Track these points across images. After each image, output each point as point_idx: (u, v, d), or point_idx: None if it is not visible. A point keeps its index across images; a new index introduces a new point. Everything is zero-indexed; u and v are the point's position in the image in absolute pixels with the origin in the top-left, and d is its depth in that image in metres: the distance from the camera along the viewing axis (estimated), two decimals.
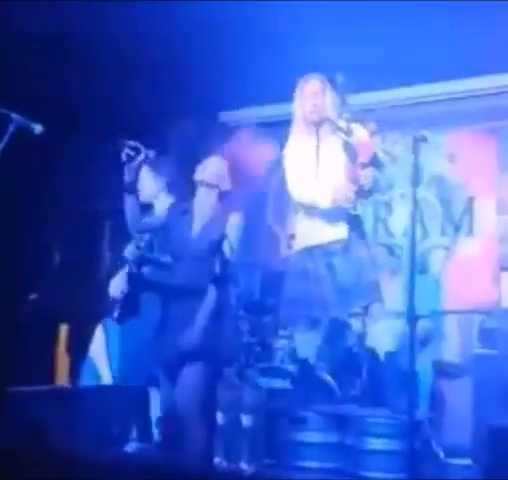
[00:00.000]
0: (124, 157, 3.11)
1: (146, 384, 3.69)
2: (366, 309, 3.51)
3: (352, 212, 3.41)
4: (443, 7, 4.11)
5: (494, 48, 4.43)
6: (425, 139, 3.08)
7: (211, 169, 3.29)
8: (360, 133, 3.43)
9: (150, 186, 3.72)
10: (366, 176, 3.38)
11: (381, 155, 3.60)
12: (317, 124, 3.49)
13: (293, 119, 3.58)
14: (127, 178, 3.15)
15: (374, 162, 3.44)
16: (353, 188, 3.35)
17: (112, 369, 3.82)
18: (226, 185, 3.28)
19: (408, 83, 5.11)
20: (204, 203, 3.29)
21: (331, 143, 3.47)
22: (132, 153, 3.11)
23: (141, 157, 3.13)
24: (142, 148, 3.13)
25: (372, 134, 3.43)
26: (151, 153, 3.16)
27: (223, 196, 3.29)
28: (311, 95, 3.48)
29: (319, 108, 3.46)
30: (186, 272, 3.18)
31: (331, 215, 3.42)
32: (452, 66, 4.71)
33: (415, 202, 3.10)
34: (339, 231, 3.43)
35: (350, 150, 3.38)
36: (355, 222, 3.48)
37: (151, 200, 3.71)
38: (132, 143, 3.11)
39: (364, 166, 3.39)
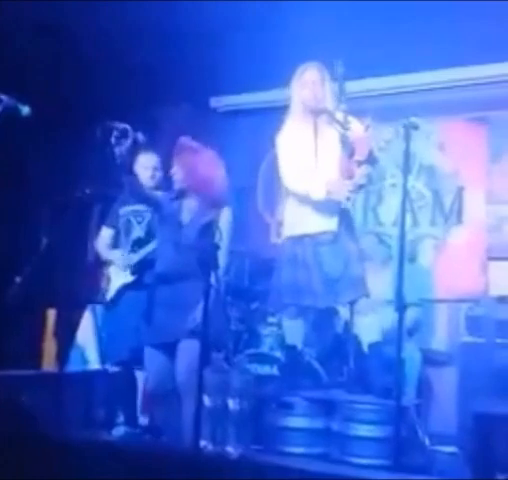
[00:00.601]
0: (113, 140, 3.09)
1: (132, 367, 3.69)
2: (353, 304, 3.51)
3: (344, 205, 3.41)
4: None
5: (485, 38, 4.43)
6: (416, 127, 3.07)
7: (176, 177, 3.30)
8: (356, 128, 3.40)
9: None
10: (362, 174, 3.37)
11: (375, 151, 3.58)
12: (314, 113, 3.45)
13: (290, 106, 3.53)
14: (119, 160, 3.13)
15: (370, 159, 3.42)
16: (347, 183, 3.34)
17: (99, 354, 3.81)
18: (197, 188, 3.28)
19: (399, 72, 5.10)
20: (190, 196, 3.31)
21: (328, 135, 3.44)
22: (121, 136, 3.09)
23: (130, 140, 3.10)
24: (130, 130, 3.10)
25: (367, 128, 3.40)
26: (140, 135, 3.14)
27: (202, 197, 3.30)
28: (310, 83, 3.43)
29: (317, 97, 3.42)
30: (177, 258, 3.18)
31: (322, 206, 3.41)
32: (443, 55, 4.70)
33: (405, 190, 3.10)
34: (329, 223, 3.43)
35: (347, 145, 3.35)
36: (345, 215, 3.48)
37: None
38: (121, 125, 3.09)
39: (360, 163, 3.37)
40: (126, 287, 3.76)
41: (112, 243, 3.95)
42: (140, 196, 3.44)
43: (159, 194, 3.46)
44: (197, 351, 2.77)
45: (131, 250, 3.82)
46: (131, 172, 3.28)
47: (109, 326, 3.87)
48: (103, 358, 3.88)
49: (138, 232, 3.85)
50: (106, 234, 3.96)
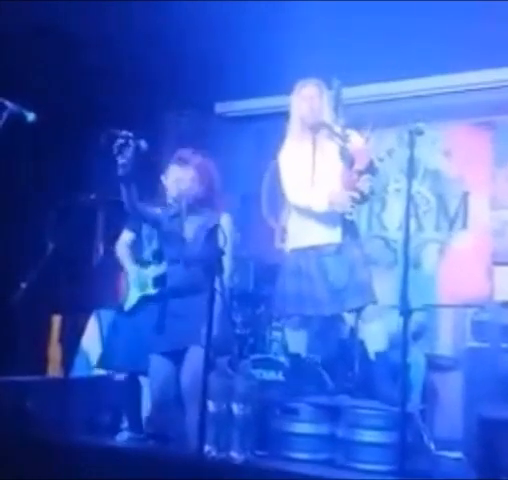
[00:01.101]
0: (115, 149, 3.09)
1: (137, 374, 3.69)
2: (359, 311, 3.51)
3: (348, 217, 3.42)
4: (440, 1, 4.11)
5: (490, 42, 4.43)
6: (421, 132, 3.06)
7: (180, 184, 3.30)
8: (355, 140, 3.43)
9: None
10: (363, 184, 3.37)
11: (376, 161, 3.59)
12: (313, 128, 3.48)
13: (289, 123, 3.56)
14: (121, 169, 3.13)
15: (370, 169, 3.43)
16: (350, 194, 3.35)
17: (104, 359, 3.81)
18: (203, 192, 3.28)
19: (403, 77, 5.11)
20: (192, 208, 3.34)
21: (327, 148, 3.46)
22: (123, 143, 3.09)
23: (132, 148, 3.10)
24: (132, 139, 3.11)
25: (367, 140, 3.42)
26: (143, 143, 3.14)
27: (207, 201, 3.30)
28: (308, 98, 3.48)
29: (316, 112, 3.46)
30: (184, 273, 3.22)
31: (325, 218, 3.42)
32: (447, 60, 4.70)
33: (410, 195, 3.10)
34: (332, 235, 3.44)
35: (346, 156, 3.37)
36: (349, 227, 3.48)
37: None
38: (123, 133, 3.09)
39: (360, 173, 3.38)
40: (146, 299, 3.71)
41: (132, 248, 3.86)
42: (136, 211, 3.39)
43: (158, 211, 3.44)
44: (193, 365, 2.79)
45: (153, 262, 3.75)
46: (132, 181, 3.25)
47: (123, 334, 3.84)
48: (111, 365, 3.86)
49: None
50: (126, 237, 3.87)
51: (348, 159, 3.37)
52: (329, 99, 3.44)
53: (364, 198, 3.41)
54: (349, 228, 3.47)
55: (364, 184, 3.37)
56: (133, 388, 3.76)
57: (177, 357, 3.15)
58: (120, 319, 3.79)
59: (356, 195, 3.34)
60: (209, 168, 3.40)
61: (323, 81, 3.50)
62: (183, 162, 3.35)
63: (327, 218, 3.41)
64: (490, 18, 4.24)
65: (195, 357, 3.02)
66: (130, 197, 3.22)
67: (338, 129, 3.39)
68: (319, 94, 3.48)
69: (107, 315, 4.30)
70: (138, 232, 3.85)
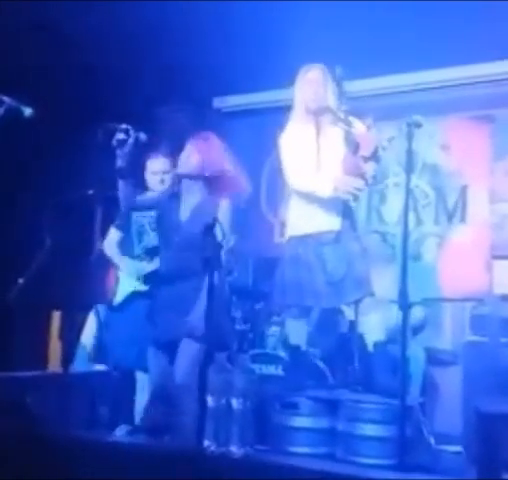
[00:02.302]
0: (115, 142, 3.09)
1: (137, 368, 3.69)
2: (357, 303, 3.51)
3: (351, 203, 3.41)
4: None
5: (488, 36, 4.42)
6: (419, 125, 3.06)
7: (189, 160, 3.27)
8: (358, 126, 3.42)
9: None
10: (369, 170, 3.36)
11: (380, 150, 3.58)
12: (317, 113, 3.48)
13: (293, 107, 3.56)
14: (119, 162, 3.13)
15: (375, 156, 3.42)
16: (355, 180, 3.34)
17: (104, 355, 3.82)
18: (209, 171, 3.25)
19: (401, 71, 5.10)
20: (191, 190, 3.28)
21: (331, 133, 3.46)
22: (123, 136, 3.09)
23: (131, 140, 3.10)
24: (132, 131, 3.10)
25: (369, 128, 3.41)
26: (142, 135, 3.14)
27: (209, 182, 3.26)
28: (312, 83, 3.48)
29: (320, 96, 3.45)
30: (177, 257, 3.18)
31: (326, 205, 3.41)
32: (445, 54, 4.70)
33: (408, 188, 3.09)
34: (332, 222, 3.43)
35: (351, 141, 3.36)
36: (348, 214, 3.48)
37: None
38: (122, 126, 3.09)
39: (366, 160, 3.37)
40: (136, 295, 3.72)
41: (121, 246, 3.87)
42: (132, 203, 3.37)
43: (154, 194, 3.43)
44: (197, 352, 2.77)
45: (145, 258, 3.76)
46: (132, 174, 3.25)
47: (114, 330, 3.84)
48: (106, 360, 3.86)
49: (153, 240, 3.75)
50: (115, 236, 3.87)
51: (353, 144, 3.36)
52: (333, 85, 3.43)
53: (367, 184, 3.40)
54: (348, 215, 3.47)
55: (369, 171, 3.36)
56: (125, 383, 3.76)
57: (172, 349, 3.13)
58: (110, 314, 3.80)
59: (361, 182, 3.33)
60: (211, 148, 3.35)
61: (328, 70, 3.49)
62: (197, 142, 3.30)
63: (328, 204, 3.40)
64: (488, 12, 4.24)
65: (188, 350, 3.01)
66: (127, 189, 3.20)
67: (342, 115, 3.38)
68: (323, 79, 3.47)
69: (106, 311, 4.29)
70: (127, 230, 3.84)
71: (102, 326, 3.90)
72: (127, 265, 3.79)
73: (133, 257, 3.80)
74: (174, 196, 3.30)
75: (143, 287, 3.70)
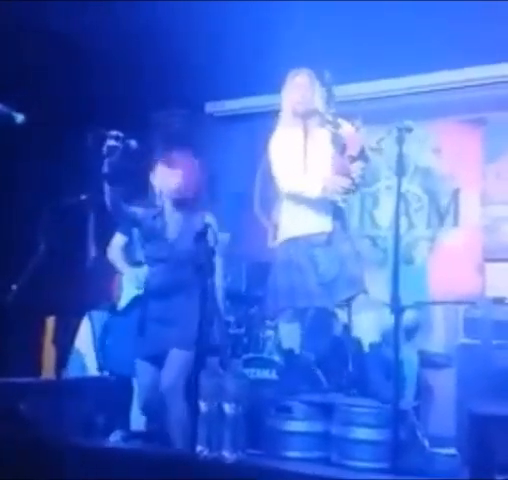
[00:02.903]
0: (105, 148, 3.07)
1: (132, 374, 3.69)
2: (349, 302, 3.52)
3: (340, 204, 3.43)
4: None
5: (479, 40, 4.44)
6: (410, 129, 3.08)
7: (167, 181, 3.29)
8: (347, 127, 3.45)
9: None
10: (355, 170, 3.39)
11: (367, 150, 3.61)
12: (304, 116, 3.51)
13: (281, 112, 3.59)
14: (107, 168, 3.11)
15: (362, 156, 3.45)
16: (342, 180, 3.36)
17: (98, 360, 3.82)
18: (186, 193, 3.28)
19: (392, 75, 5.12)
20: (175, 204, 3.32)
21: (319, 135, 3.49)
22: (113, 143, 3.08)
23: (122, 147, 3.09)
24: (122, 137, 3.09)
25: (357, 130, 3.44)
26: (132, 142, 3.13)
27: (193, 201, 3.29)
28: (299, 87, 3.52)
29: (307, 99, 3.49)
30: (166, 270, 3.20)
31: (317, 206, 3.44)
32: (436, 58, 4.71)
33: (399, 192, 3.11)
34: (323, 224, 3.45)
35: (338, 142, 3.39)
36: (339, 215, 3.50)
37: None
38: (113, 133, 3.07)
39: (353, 159, 3.40)
40: (138, 300, 3.67)
41: (126, 250, 3.86)
42: (118, 211, 3.36)
43: (139, 211, 3.41)
44: (185, 360, 2.78)
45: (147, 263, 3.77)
46: (120, 181, 3.23)
47: (116, 335, 3.83)
48: (105, 365, 3.85)
49: None
50: (119, 240, 3.85)
51: (340, 145, 3.39)
52: (320, 89, 3.47)
53: (356, 185, 3.43)
54: (339, 216, 3.49)
55: (356, 170, 3.39)
56: (127, 388, 3.76)
57: (160, 361, 3.14)
58: (113, 320, 3.79)
59: (348, 181, 3.36)
60: (196, 169, 3.38)
61: (316, 75, 3.52)
62: (171, 162, 3.34)
63: (318, 205, 3.43)
64: (479, 16, 4.26)
65: (176, 360, 3.03)
66: (113, 196, 3.20)
67: (329, 117, 3.41)
68: (310, 82, 3.52)
69: (99, 316, 4.29)
70: (130, 235, 3.83)
71: (102, 332, 3.89)
72: (131, 271, 3.78)
73: (135, 263, 3.80)
74: (159, 215, 3.33)
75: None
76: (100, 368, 3.88)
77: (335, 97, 3.37)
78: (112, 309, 3.84)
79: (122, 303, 3.78)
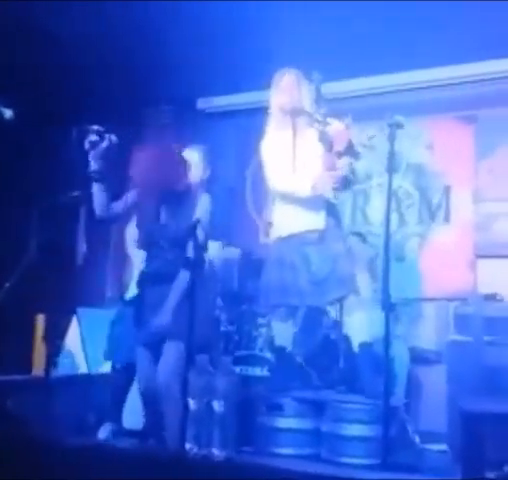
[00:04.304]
0: (87, 144, 3.03)
1: (122, 370, 3.68)
2: (341, 301, 3.52)
3: (331, 201, 3.43)
4: None
5: (471, 37, 4.44)
6: (401, 125, 3.08)
7: (147, 175, 3.24)
8: (335, 125, 3.44)
9: None
10: (343, 165, 3.39)
11: (358, 147, 3.60)
12: (293, 115, 3.50)
13: (270, 112, 3.59)
14: (93, 165, 3.08)
15: (349, 151, 3.45)
16: (332, 176, 3.36)
17: (87, 357, 3.80)
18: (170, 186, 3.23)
19: (384, 72, 5.12)
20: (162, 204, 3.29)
21: (307, 134, 3.48)
22: (95, 138, 3.04)
23: (105, 143, 3.05)
24: (105, 133, 3.06)
25: (347, 127, 3.44)
26: (114, 137, 3.08)
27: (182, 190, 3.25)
28: (287, 87, 3.52)
29: (295, 99, 3.49)
30: (159, 256, 3.18)
31: (309, 204, 3.43)
32: (428, 54, 4.72)
33: (391, 188, 3.10)
34: (315, 221, 3.45)
35: (325, 139, 3.39)
36: (332, 212, 3.50)
37: None
38: (94, 128, 3.04)
39: (340, 155, 3.40)
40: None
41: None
42: (106, 211, 3.30)
43: (129, 200, 3.35)
44: (180, 353, 2.76)
45: None
46: (107, 178, 3.19)
47: (125, 324, 3.80)
48: (112, 355, 3.82)
49: None
50: (133, 232, 3.78)
51: (327, 142, 3.39)
52: (308, 89, 3.47)
53: (346, 181, 3.42)
54: (332, 214, 3.50)
55: (344, 166, 3.39)
56: (118, 385, 3.75)
57: (156, 349, 3.12)
58: (121, 309, 3.78)
59: (338, 177, 3.35)
60: (183, 157, 3.33)
61: (303, 74, 3.52)
62: (156, 154, 3.27)
63: (310, 203, 3.43)
64: (471, 13, 4.26)
65: (172, 351, 3.00)
66: (101, 194, 3.15)
67: (319, 117, 3.41)
68: (297, 83, 3.51)
69: (87, 314, 4.28)
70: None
71: (113, 322, 3.87)
72: (138, 260, 3.77)
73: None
74: (150, 203, 3.28)
75: None
76: (106, 358, 3.85)
77: (324, 96, 3.36)
78: (121, 298, 3.83)
79: (131, 293, 3.76)
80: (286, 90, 3.51)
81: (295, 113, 3.49)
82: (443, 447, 3.46)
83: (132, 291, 3.72)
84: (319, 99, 3.37)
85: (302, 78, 3.51)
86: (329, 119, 3.39)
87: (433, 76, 5.09)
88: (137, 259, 3.78)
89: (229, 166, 5.54)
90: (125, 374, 3.69)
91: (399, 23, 4.41)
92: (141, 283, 3.28)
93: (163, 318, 3.02)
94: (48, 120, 4.77)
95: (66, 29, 4.53)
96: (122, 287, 3.93)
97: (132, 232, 3.87)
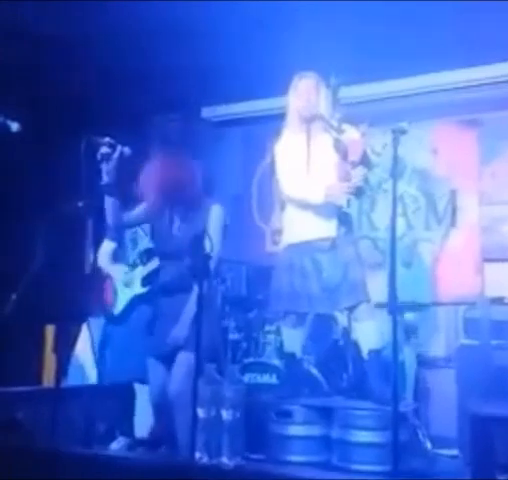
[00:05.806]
0: (99, 156, 3.04)
1: (132, 381, 3.68)
2: (352, 310, 3.51)
3: (343, 210, 3.42)
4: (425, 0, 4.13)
5: (474, 41, 4.45)
6: (404, 131, 3.07)
7: (154, 183, 3.26)
8: (351, 132, 3.42)
9: None
10: (357, 175, 3.38)
11: (372, 155, 3.59)
12: (309, 121, 3.49)
13: (286, 116, 3.57)
14: (105, 178, 3.09)
15: (364, 161, 3.44)
16: (345, 185, 3.35)
17: (98, 368, 3.80)
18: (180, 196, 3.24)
19: (389, 77, 5.12)
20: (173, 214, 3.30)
21: (322, 140, 3.47)
22: (107, 150, 3.06)
23: (116, 154, 3.06)
24: (117, 145, 3.07)
25: (363, 135, 3.43)
26: (126, 150, 3.10)
27: (193, 200, 3.27)
28: (305, 91, 3.49)
29: (312, 104, 3.46)
30: (172, 266, 3.18)
31: (321, 212, 3.42)
32: (432, 59, 4.72)
33: (395, 194, 3.10)
34: (327, 229, 3.44)
35: (340, 148, 3.36)
36: (344, 220, 3.48)
37: None
38: (106, 140, 3.05)
39: (354, 165, 3.39)
40: (136, 300, 3.71)
41: (115, 256, 3.87)
42: (120, 221, 3.31)
43: (142, 211, 3.36)
44: (192, 363, 2.76)
45: (140, 262, 3.75)
46: (119, 191, 3.20)
47: (117, 341, 3.82)
48: (105, 375, 3.84)
49: (147, 243, 3.75)
50: (107, 247, 3.86)
51: (342, 150, 3.36)
52: (326, 93, 3.44)
53: (359, 190, 3.41)
54: (344, 221, 3.48)
55: (357, 175, 3.38)
56: (128, 396, 3.75)
57: (169, 360, 3.13)
58: (110, 327, 3.79)
59: (350, 187, 3.35)
60: (194, 169, 3.34)
61: (320, 75, 3.51)
62: (166, 164, 3.29)
63: (322, 211, 3.41)
64: (474, 17, 4.26)
65: (184, 362, 3.01)
66: (114, 207, 3.17)
67: (334, 122, 3.40)
68: (316, 86, 3.48)
69: (97, 324, 4.28)
70: (120, 239, 3.83)
71: (101, 340, 3.88)
72: (123, 274, 3.78)
73: (128, 265, 3.80)
74: (162, 214, 3.30)
75: (142, 289, 3.70)
76: (100, 378, 3.86)
77: (340, 100, 3.35)
78: (108, 316, 3.83)
79: (119, 308, 3.77)
80: (304, 94, 3.48)
81: (312, 117, 3.47)
82: (455, 452, 3.45)
83: (120, 306, 3.73)
84: (335, 103, 3.36)
85: (321, 81, 3.48)
86: (345, 126, 3.38)
87: (437, 80, 5.09)
88: (116, 273, 3.79)
89: (235, 174, 5.56)
90: (127, 388, 3.70)
91: (403, 28, 4.41)
92: (154, 294, 3.29)
93: (181, 330, 3.04)
94: (54, 130, 4.80)
95: (73, 38, 4.55)
96: (104, 305, 3.92)
97: (106, 246, 3.87)
